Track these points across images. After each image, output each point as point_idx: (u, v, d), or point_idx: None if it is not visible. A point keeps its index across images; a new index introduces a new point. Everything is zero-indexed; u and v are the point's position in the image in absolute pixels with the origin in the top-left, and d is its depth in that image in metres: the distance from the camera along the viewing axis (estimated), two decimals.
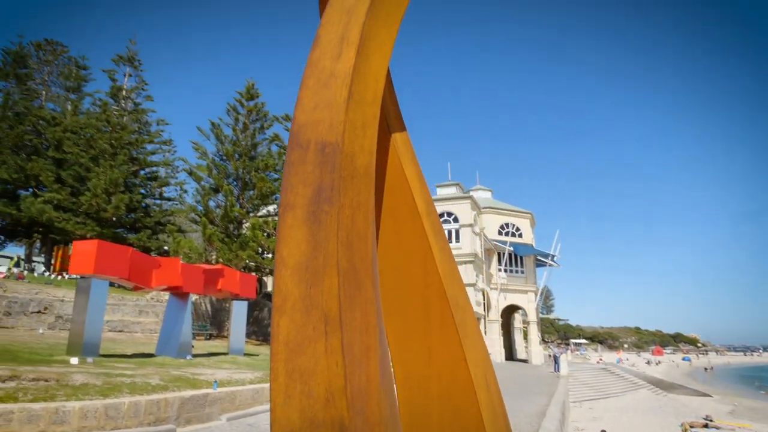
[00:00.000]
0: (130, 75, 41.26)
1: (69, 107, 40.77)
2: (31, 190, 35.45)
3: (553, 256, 47.71)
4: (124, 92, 40.34)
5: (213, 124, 37.11)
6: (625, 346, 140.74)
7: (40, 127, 36.63)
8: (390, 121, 2.31)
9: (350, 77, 1.77)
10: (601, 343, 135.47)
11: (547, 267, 49.20)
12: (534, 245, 49.45)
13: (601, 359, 67.30)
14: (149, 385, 10.10)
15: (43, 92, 42.99)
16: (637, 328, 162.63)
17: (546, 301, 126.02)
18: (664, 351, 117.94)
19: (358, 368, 1.57)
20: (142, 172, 39.86)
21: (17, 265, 34.25)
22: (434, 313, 2.18)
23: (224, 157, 37.17)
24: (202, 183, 36.21)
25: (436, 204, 41.11)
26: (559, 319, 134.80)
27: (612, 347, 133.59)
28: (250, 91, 38.28)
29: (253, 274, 32.14)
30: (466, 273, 38.10)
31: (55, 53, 44.19)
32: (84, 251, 13.88)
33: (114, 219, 35.22)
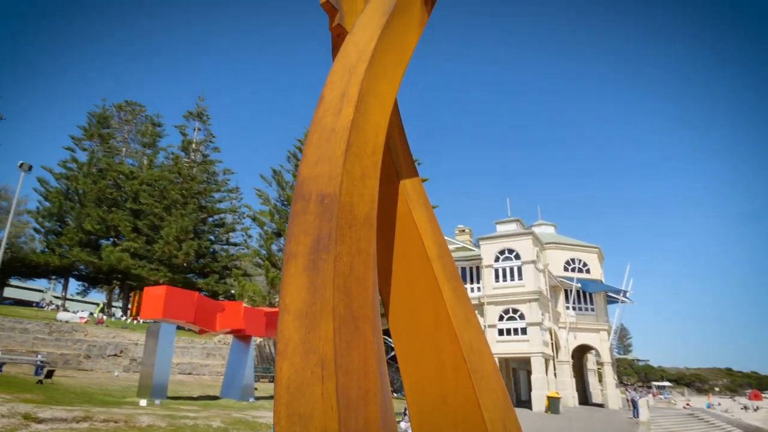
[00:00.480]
0: (199, 129, 44.33)
1: (145, 161, 44.17)
2: (111, 239, 38.22)
3: (625, 291, 45.04)
4: (193, 145, 43.28)
5: (274, 171, 38.91)
6: (716, 389, 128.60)
7: (119, 181, 39.79)
8: (399, 167, 2.39)
9: (348, 132, 1.88)
10: (687, 386, 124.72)
11: (620, 304, 46.47)
12: (603, 281, 47.01)
13: (688, 404, 61.80)
14: (210, 427, 10.36)
15: (123, 149, 46.86)
16: (729, 370, 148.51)
17: (622, 340, 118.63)
18: (764, 395, 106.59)
19: (355, 412, 1.60)
20: (210, 219, 42.14)
21: (102, 310, 36.69)
22: (447, 358, 2.17)
23: (285, 202, 38.61)
24: (265, 228, 37.71)
25: (495, 241, 39.74)
26: (638, 360, 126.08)
27: (701, 390, 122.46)
28: None
29: None
30: (531, 311, 36.63)
31: (134, 113, 48.34)
32: (153, 296, 14.70)
33: (185, 265, 37.19)
